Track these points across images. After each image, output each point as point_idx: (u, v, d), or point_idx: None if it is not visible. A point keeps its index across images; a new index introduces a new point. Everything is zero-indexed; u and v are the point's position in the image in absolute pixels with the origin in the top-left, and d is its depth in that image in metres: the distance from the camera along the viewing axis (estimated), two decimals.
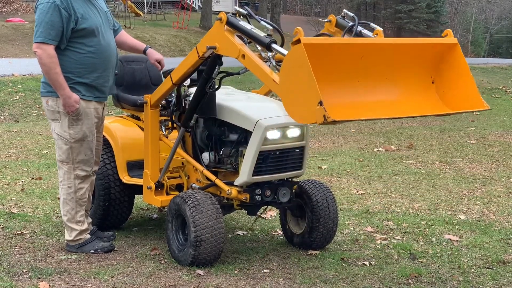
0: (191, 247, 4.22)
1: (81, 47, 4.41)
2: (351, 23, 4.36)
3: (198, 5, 35.32)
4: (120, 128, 5.15)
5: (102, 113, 4.68)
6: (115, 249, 4.69)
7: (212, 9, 29.27)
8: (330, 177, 7.47)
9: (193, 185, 4.68)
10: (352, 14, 4.38)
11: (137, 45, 4.97)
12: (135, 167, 5.02)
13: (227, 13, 4.02)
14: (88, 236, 4.64)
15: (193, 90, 4.55)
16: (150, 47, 4.98)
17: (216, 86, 4.38)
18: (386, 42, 3.80)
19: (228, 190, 4.34)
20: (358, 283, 4.20)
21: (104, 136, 4.95)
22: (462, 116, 13.44)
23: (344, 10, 4.50)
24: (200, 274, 4.18)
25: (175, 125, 4.80)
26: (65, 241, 4.66)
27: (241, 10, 4.07)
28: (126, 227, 5.32)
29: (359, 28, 4.29)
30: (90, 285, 3.98)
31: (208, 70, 4.23)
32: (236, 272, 4.30)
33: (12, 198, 6.08)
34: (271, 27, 3.89)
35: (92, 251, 4.58)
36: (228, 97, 4.66)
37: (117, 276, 4.15)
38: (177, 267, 4.34)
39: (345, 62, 3.58)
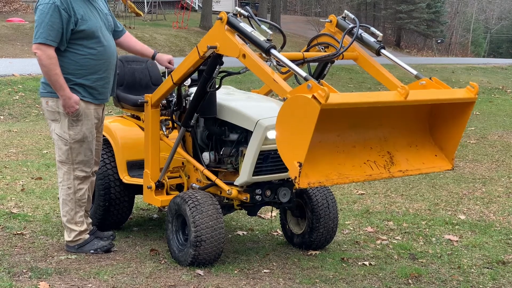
0: (191, 247, 4.22)
1: (81, 48, 4.40)
2: (351, 25, 4.35)
3: (198, 5, 35.32)
4: (120, 128, 5.15)
5: (102, 114, 4.68)
6: (115, 249, 4.69)
7: (212, 9, 29.27)
8: None
9: (193, 185, 4.68)
10: (353, 16, 4.37)
11: (145, 51, 4.96)
12: (135, 167, 5.02)
13: (228, 13, 4.02)
14: (87, 236, 4.64)
15: (193, 89, 4.55)
16: (158, 52, 4.98)
17: (217, 86, 4.38)
18: (409, 104, 3.67)
19: (229, 190, 4.34)
20: (358, 283, 4.20)
21: (104, 136, 4.95)
22: None
23: (345, 11, 4.49)
24: (200, 274, 4.18)
25: (175, 124, 4.80)
26: (65, 242, 4.66)
27: (242, 11, 4.07)
28: (126, 227, 5.32)
29: (360, 31, 4.27)
30: (90, 285, 3.98)
31: (209, 69, 4.23)
32: (236, 272, 4.29)
33: (12, 198, 6.08)
34: (271, 32, 3.87)
35: (92, 251, 4.58)
36: (228, 96, 4.66)
37: (117, 276, 4.15)
38: (177, 267, 4.34)
39: (353, 118, 3.65)
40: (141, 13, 31.39)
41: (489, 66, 27.22)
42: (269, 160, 4.30)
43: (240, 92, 5.05)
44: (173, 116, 4.78)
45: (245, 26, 3.97)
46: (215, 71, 4.23)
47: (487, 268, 4.59)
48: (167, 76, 4.84)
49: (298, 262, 4.55)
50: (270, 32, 3.88)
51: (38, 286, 3.91)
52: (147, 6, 33.62)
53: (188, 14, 30.33)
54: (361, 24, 4.27)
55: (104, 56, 4.48)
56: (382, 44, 4.32)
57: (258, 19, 4.05)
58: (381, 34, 4.33)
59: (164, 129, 4.84)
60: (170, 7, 34.46)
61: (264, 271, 4.35)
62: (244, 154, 4.30)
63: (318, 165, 3.53)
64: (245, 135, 4.38)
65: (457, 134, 3.93)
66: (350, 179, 3.63)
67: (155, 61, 4.99)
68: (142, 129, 4.92)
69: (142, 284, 4.02)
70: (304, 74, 3.68)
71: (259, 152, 4.20)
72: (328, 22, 4.52)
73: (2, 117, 11.69)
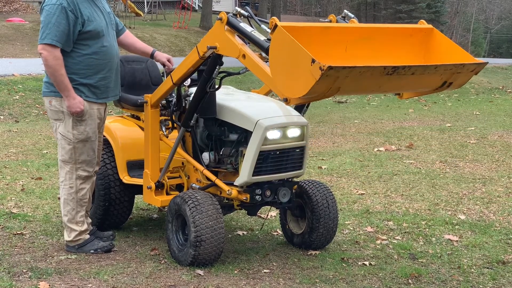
0: (191, 247, 4.22)
1: (86, 48, 4.41)
2: None
3: (198, 5, 35.32)
4: (120, 128, 5.15)
5: (104, 114, 4.69)
6: (115, 249, 4.69)
7: (212, 9, 29.26)
8: (330, 177, 7.47)
9: (193, 185, 4.68)
10: (352, 16, 4.36)
11: (145, 49, 4.98)
12: (135, 167, 5.02)
13: (227, 13, 4.02)
14: (88, 236, 4.64)
15: (193, 90, 4.55)
16: (156, 50, 4.99)
17: (217, 86, 4.38)
18: (366, 26, 3.82)
19: (228, 190, 4.34)
20: (358, 283, 4.20)
21: (104, 136, 4.95)
22: (462, 116, 13.45)
23: (345, 10, 4.48)
24: (200, 274, 4.18)
25: (175, 125, 4.80)
26: (65, 242, 4.66)
27: (241, 11, 4.07)
28: (126, 227, 5.32)
29: None
30: (90, 285, 3.98)
31: (209, 70, 4.23)
32: (236, 272, 4.30)
33: (12, 198, 6.08)
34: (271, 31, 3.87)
35: (92, 251, 4.58)
36: (228, 97, 4.66)
37: (117, 276, 4.15)
38: (177, 267, 4.34)
39: (329, 45, 3.59)
40: (141, 13, 31.39)
41: (489, 66, 27.18)
42: (269, 160, 4.30)
43: (240, 92, 5.05)
44: (173, 116, 4.78)
45: (245, 26, 3.96)
46: (215, 72, 4.23)
47: (487, 268, 4.59)
48: (167, 76, 4.85)
49: (298, 262, 4.55)
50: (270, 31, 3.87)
51: (38, 286, 3.92)
52: (147, 6, 33.61)
53: (189, 14, 30.31)
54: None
55: (107, 56, 4.50)
56: None
57: (258, 19, 4.05)
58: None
59: (164, 129, 4.84)
60: (170, 7, 34.46)
61: (264, 271, 4.35)
62: (244, 154, 4.31)
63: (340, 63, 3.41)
64: (245, 135, 4.38)
65: (456, 51, 3.80)
66: (382, 63, 3.45)
67: (154, 59, 4.98)
68: (142, 129, 4.92)
69: (142, 284, 4.02)
70: None
71: (259, 152, 4.21)
72: (327, 22, 4.49)
73: (2, 117, 11.69)
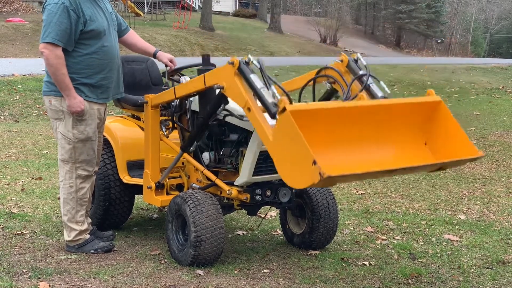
0: (191, 247, 4.22)
1: (87, 48, 4.41)
2: (361, 72, 4.14)
3: (198, 5, 35.32)
4: (120, 128, 5.15)
5: (104, 114, 4.69)
6: (115, 249, 4.69)
7: (212, 9, 29.27)
8: None
9: (194, 185, 4.68)
10: (365, 63, 4.22)
11: (148, 48, 4.99)
12: (135, 167, 5.02)
13: (240, 59, 3.89)
14: (88, 236, 4.64)
15: None
16: (159, 50, 5.00)
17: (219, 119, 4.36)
18: (373, 104, 3.76)
19: (229, 190, 4.34)
20: (358, 283, 4.20)
21: (104, 136, 4.96)
22: (462, 116, 13.45)
23: (358, 54, 4.34)
24: (200, 274, 4.18)
25: (175, 125, 4.80)
26: (65, 242, 4.66)
27: (254, 61, 3.90)
28: (126, 227, 5.32)
29: (370, 81, 4.05)
30: (90, 285, 3.98)
31: (213, 106, 4.21)
32: (236, 272, 4.30)
33: (12, 198, 6.08)
34: (279, 97, 3.61)
35: (92, 251, 4.58)
36: None
37: (117, 276, 4.15)
38: (177, 267, 4.34)
39: (335, 125, 3.58)
40: (141, 13, 31.42)
41: (489, 66, 27.24)
42: (269, 160, 4.30)
43: None
44: (174, 117, 4.78)
45: (255, 79, 3.82)
46: (220, 109, 4.22)
47: (487, 268, 4.59)
48: (167, 76, 4.86)
49: (298, 262, 4.56)
50: (279, 97, 3.63)
51: (38, 286, 3.91)
52: (147, 6, 33.63)
53: (189, 14, 30.32)
54: (371, 74, 4.12)
55: (108, 56, 4.50)
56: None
57: (268, 77, 3.85)
58: (389, 92, 4.13)
59: (164, 129, 4.85)
60: (170, 7, 34.48)
61: (264, 271, 4.35)
62: (244, 154, 4.31)
63: (336, 163, 3.44)
64: (245, 135, 4.38)
65: (458, 135, 3.87)
66: (381, 168, 3.49)
67: (157, 59, 4.99)
68: (142, 129, 4.92)
69: (142, 284, 4.02)
70: None
71: (259, 152, 4.21)
72: (339, 62, 4.32)
73: (2, 117, 11.69)
